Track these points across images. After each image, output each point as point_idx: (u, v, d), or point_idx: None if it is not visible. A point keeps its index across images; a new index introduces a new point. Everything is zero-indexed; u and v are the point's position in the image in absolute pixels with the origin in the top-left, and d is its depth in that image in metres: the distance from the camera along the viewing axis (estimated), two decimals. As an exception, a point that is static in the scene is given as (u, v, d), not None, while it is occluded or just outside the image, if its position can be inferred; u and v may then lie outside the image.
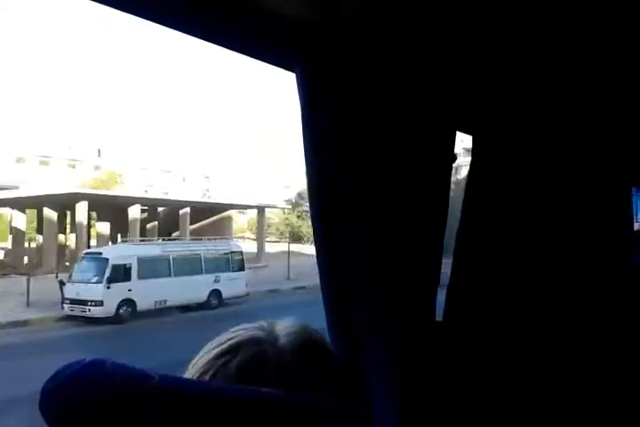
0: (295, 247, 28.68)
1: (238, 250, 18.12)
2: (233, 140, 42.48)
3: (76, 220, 22.16)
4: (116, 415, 0.35)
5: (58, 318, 13.69)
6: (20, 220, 25.85)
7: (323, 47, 0.72)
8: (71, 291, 13.62)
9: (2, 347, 11.15)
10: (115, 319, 13.33)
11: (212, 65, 57.89)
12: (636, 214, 0.91)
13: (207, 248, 17.15)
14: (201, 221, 26.09)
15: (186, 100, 51.97)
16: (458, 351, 0.80)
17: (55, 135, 36.33)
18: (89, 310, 13.27)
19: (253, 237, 32.68)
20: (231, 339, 0.49)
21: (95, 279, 13.87)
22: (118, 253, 15.14)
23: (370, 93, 0.77)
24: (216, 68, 53.41)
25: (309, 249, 29.04)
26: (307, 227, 31.96)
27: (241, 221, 39.27)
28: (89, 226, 24.73)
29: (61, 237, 26.06)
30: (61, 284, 14.02)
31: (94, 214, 26.43)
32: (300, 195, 37.41)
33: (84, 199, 21.32)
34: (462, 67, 0.78)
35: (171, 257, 15.55)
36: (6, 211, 27.92)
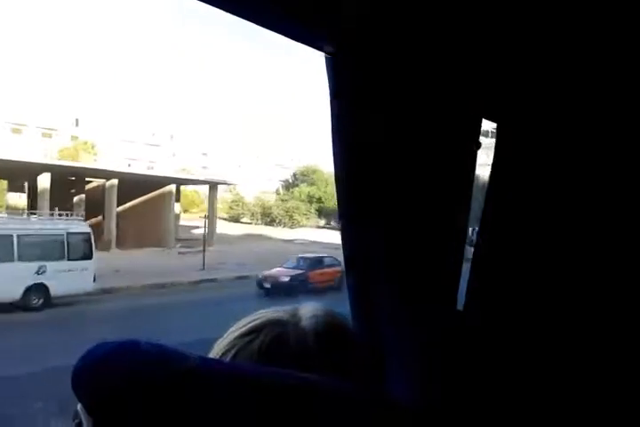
0: (266, 230, 27.59)
1: (81, 231, 13.27)
2: (232, 119, 41.04)
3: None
4: (155, 396, 0.35)
5: None
6: None
7: (352, 30, 0.72)
8: None
9: None
10: None
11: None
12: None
13: (25, 227, 12.59)
14: (139, 196, 23.48)
15: (184, 74, 50.11)
16: (478, 340, 0.82)
17: (31, 103, 35.06)
18: None
19: (226, 216, 31.41)
20: (255, 320, 0.50)
21: None
22: None
23: (397, 80, 0.77)
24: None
25: (281, 233, 27.85)
26: (279, 208, 30.90)
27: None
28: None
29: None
30: None
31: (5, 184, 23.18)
32: (295, 175, 36.75)
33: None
34: (487, 54, 0.78)
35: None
36: None
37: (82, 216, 17.15)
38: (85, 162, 28.62)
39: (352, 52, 0.75)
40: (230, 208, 32.63)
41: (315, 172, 35.10)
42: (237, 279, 15.96)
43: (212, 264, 17.27)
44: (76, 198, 22.20)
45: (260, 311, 0.52)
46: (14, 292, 11.29)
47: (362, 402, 0.41)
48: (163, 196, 23.44)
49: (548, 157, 0.83)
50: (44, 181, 19.13)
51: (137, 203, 23.59)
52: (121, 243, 21.01)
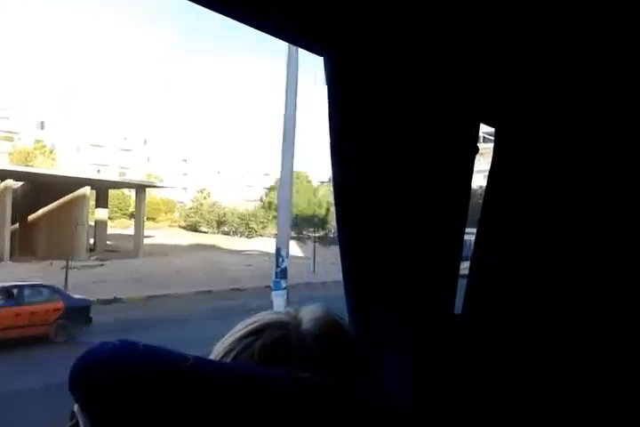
0: (220, 240, 25.47)
1: None
2: (216, 126, 40.19)
3: None
4: (151, 396, 0.36)
5: None
6: None
7: (351, 36, 0.73)
8: None
9: None
10: None
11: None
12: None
13: None
14: (50, 201, 21.27)
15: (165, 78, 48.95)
16: (475, 345, 0.83)
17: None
18: None
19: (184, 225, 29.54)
20: (256, 322, 0.51)
21: None
22: None
23: (394, 84, 0.78)
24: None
25: (236, 243, 25.36)
26: (234, 215, 29.09)
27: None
28: None
29: None
30: None
31: None
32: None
33: None
34: (485, 59, 0.79)
35: None
36: None
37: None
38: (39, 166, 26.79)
39: (350, 56, 0.75)
40: (187, 216, 31.31)
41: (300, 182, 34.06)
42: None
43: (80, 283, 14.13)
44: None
45: (262, 313, 0.53)
46: None
47: (359, 403, 0.42)
48: (75, 200, 21.24)
49: (547, 162, 0.84)
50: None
51: (52, 208, 21.45)
52: (29, 253, 19.26)
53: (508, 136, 0.87)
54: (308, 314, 0.52)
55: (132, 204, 31.64)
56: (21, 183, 21.82)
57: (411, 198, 0.81)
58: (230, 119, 39.65)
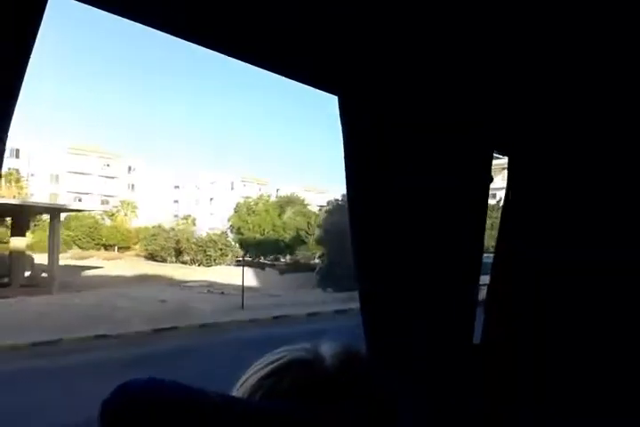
0: (172, 270, 21.83)
1: None
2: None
3: None
4: None
5: None
6: None
7: (361, 74, 0.77)
8: None
9: None
10: None
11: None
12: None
13: None
14: None
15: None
16: (493, 376, 0.85)
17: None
18: None
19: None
20: (279, 360, 0.52)
21: None
22: None
23: (406, 117, 0.81)
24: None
25: (191, 272, 20.82)
26: (189, 242, 24.69)
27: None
28: None
29: None
30: None
31: None
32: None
33: None
34: (498, 89, 0.82)
35: None
36: None
37: None
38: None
39: (362, 92, 0.79)
40: (147, 244, 27.19)
41: (257, 203, 29.60)
42: None
43: None
44: None
45: (282, 349, 0.54)
46: None
47: None
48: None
49: (561, 189, 0.86)
50: None
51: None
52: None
53: (522, 165, 0.90)
54: (329, 350, 0.53)
55: (105, 231, 29.29)
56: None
57: (428, 227, 0.83)
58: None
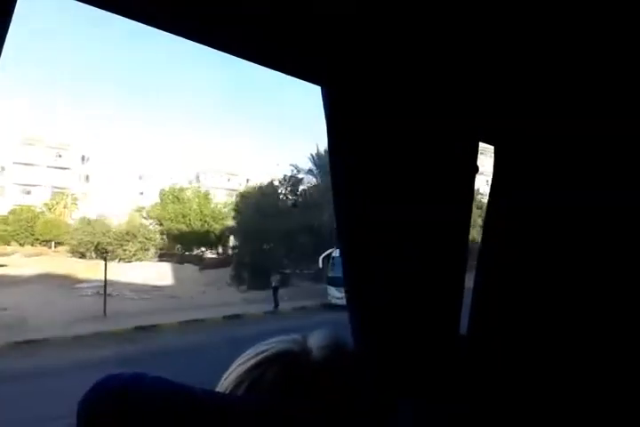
0: (87, 267, 19.25)
1: None
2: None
3: None
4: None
5: None
6: None
7: (347, 63, 0.77)
8: None
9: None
10: None
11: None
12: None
13: None
14: None
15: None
16: (479, 365, 0.85)
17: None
18: None
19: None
20: (264, 351, 0.52)
21: None
22: None
23: (392, 107, 0.81)
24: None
25: (106, 270, 17.00)
26: (106, 235, 22.29)
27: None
28: None
29: None
30: None
31: None
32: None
33: None
34: (484, 78, 0.82)
35: None
36: None
37: None
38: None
39: (347, 83, 0.78)
40: (69, 239, 24.72)
41: (184, 190, 26.40)
42: None
43: None
44: None
45: (269, 341, 0.53)
46: None
47: None
48: None
49: (547, 180, 0.87)
50: None
51: None
52: None
53: (508, 155, 0.90)
54: (317, 342, 0.52)
55: (41, 226, 26.05)
56: None
57: (413, 218, 0.83)
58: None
